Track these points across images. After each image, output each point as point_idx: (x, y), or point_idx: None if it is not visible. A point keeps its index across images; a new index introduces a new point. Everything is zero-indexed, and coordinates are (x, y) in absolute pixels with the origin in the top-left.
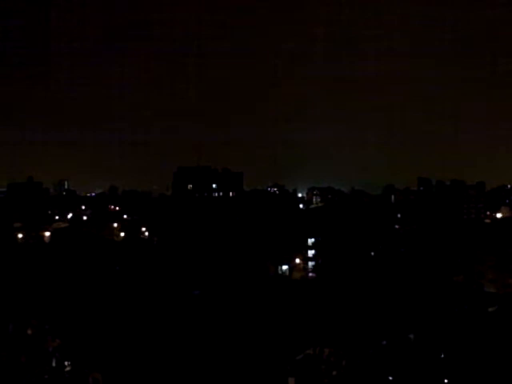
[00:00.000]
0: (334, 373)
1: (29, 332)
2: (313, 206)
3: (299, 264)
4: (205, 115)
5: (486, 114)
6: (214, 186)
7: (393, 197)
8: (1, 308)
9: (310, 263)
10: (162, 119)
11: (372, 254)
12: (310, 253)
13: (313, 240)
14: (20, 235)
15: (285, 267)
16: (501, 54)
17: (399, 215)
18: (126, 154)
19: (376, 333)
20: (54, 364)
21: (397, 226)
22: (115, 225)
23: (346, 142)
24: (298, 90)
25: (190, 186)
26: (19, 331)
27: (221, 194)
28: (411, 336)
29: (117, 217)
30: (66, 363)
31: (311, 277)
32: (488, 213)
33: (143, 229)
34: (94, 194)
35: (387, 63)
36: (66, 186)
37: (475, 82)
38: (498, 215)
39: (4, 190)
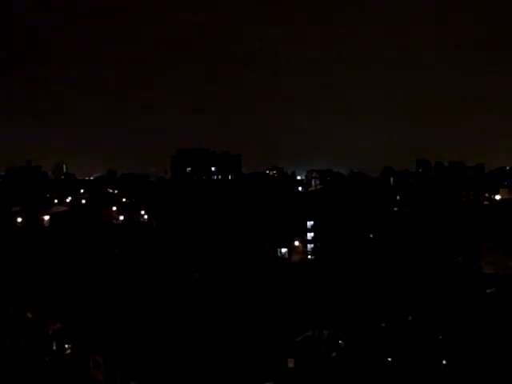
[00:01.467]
0: (334, 354)
1: (29, 315)
2: (312, 188)
3: (298, 246)
4: (205, 99)
5: (486, 96)
6: (212, 168)
7: (391, 179)
8: (1, 291)
9: (309, 246)
10: (161, 102)
11: (371, 236)
12: (309, 235)
13: (312, 223)
14: (19, 219)
15: (284, 250)
16: (500, 34)
17: (398, 197)
18: (125, 137)
19: (375, 315)
20: (54, 347)
21: (395, 208)
22: (114, 208)
23: (345, 125)
24: (296, 75)
25: (188, 169)
26: (20, 314)
27: (219, 176)
28: (410, 318)
29: (115, 200)
30: (66, 346)
31: (310, 259)
32: (487, 194)
33: (142, 212)
34: (92, 178)
35: (385, 47)
36: (64, 170)
37: (475, 63)
38: (497, 197)
39: (3, 174)
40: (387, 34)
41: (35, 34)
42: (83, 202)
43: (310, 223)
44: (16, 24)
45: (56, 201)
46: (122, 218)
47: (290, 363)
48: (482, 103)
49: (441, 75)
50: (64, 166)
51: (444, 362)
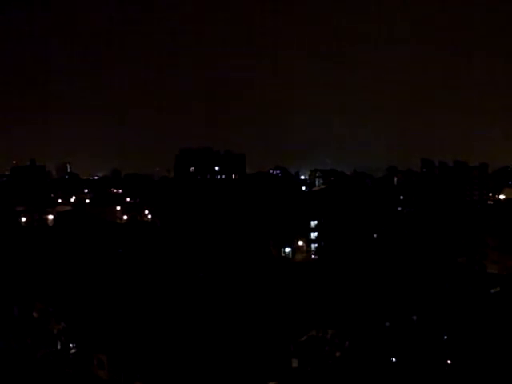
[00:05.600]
0: (338, 354)
1: (34, 315)
2: (315, 188)
3: (302, 246)
4: (207, 98)
5: (490, 95)
6: (216, 168)
7: (395, 178)
8: (6, 291)
9: (313, 245)
10: (164, 101)
11: (375, 235)
12: (313, 235)
13: (316, 222)
14: (23, 218)
15: (288, 249)
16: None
17: (402, 197)
18: (128, 137)
19: (379, 314)
20: (59, 346)
21: (399, 208)
22: (118, 208)
23: (349, 125)
24: (300, 74)
25: (192, 169)
26: (24, 314)
27: (223, 176)
28: (414, 317)
29: (119, 200)
30: (70, 345)
31: (314, 259)
32: (491, 194)
33: (146, 211)
34: (96, 177)
35: (387, 45)
36: (68, 170)
37: (478, 61)
38: (501, 196)
39: (7, 173)
40: (389, 32)
41: (37, 33)
42: (87, 201)
43: (313, 223)
44: (17, 23)
45: (60, 200)
46: (125, 217)
47: (294, 363)
48: (487, 102)
49: (445, 75)
50: (68, 166)
51: (449, 362)
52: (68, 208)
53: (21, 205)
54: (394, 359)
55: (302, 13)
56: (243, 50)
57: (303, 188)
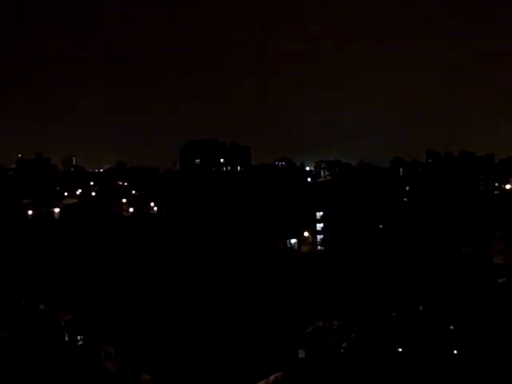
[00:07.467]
0: (344, 345)
1: (41, 307)
2: (321, 179)
3: (308, 237)
4: (213, 90)
5: (497, 86)
6: (221, 160)
7: (401, 169)
8: (13, 284)
9: (319, 236)
10: (169, 94)
11: (380, 226)
12: (319, 226)
13: (321, 213)
14: (30, 212)
15: (293, 241)
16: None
17: (407, 188)
18: (134, 129)
19: (385, 305)
20: (66, 338)
21: (405, 199)
22: (124, 200)
23: (355, 115)
24: (307, 65)
25: (197, 161)
26: (32, 306)
27: (228, 168)
28: (420, 308)
29: (125, 192)
30: (78, 337)
31: (320, 250)
32: (497, 184)
33: (152, 204)
34: (101, 170)
35: (396, 37)
36: (73, 162)
37: (487, 54)
38: (507, 186)
39: (14, 167)
40: (398, 26)
41: (45, 29)
42: (93, 194)
43: (319, 214)
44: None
45: (66, 193)
46: (131, 210)
47: (301, 354)
48: (493, 93)
49: (451, 66)
50: (73, 159)
51: (455, 352)
52: (74, 201)
53: (27, 198)
54: (400, 349)
55: (302, 9)
56: (252, 43)
57: (308, 179)
